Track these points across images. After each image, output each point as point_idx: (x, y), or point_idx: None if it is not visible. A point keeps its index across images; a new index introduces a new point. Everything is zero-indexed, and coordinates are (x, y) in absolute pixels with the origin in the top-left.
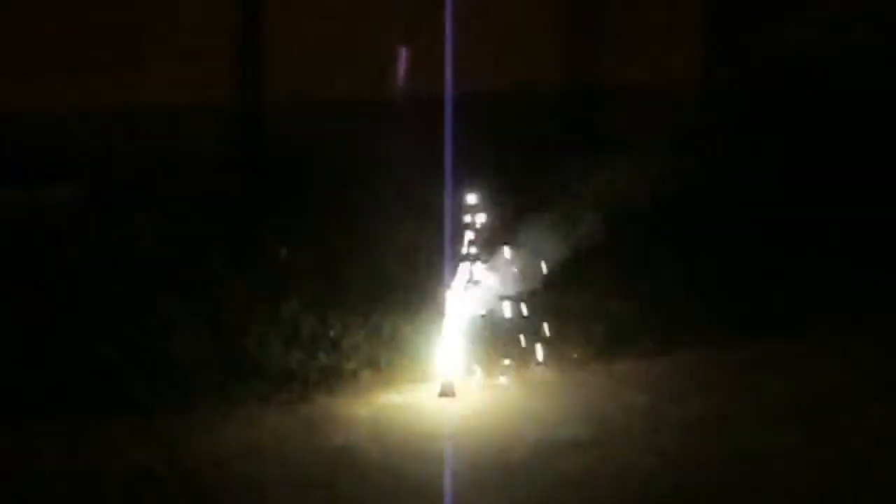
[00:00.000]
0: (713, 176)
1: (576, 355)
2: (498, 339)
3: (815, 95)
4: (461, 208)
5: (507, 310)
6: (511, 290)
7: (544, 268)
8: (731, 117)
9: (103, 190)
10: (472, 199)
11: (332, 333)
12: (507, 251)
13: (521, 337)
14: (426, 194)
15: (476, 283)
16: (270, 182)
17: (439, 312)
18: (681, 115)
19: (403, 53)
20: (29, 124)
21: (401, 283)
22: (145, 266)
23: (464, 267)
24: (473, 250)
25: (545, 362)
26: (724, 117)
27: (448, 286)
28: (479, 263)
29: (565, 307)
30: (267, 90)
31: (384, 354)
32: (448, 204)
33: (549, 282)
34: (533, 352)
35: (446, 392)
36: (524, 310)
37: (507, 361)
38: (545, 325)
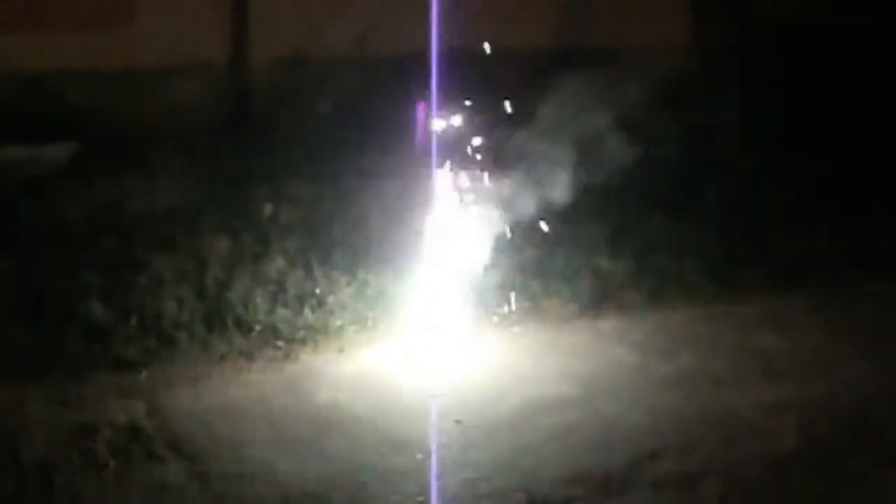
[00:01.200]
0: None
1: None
2: (485, 287)
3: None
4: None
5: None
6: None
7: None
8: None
9: (93, 148)
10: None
11: (317, 290)
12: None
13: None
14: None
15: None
16: (257, 140)
17: (424, 261)
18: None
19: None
20: (21, 83)
21: (387, 238)
22: (133, 223)
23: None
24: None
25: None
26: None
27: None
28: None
29: (551, 264)
30: (254, 49)
31: (370, 311)
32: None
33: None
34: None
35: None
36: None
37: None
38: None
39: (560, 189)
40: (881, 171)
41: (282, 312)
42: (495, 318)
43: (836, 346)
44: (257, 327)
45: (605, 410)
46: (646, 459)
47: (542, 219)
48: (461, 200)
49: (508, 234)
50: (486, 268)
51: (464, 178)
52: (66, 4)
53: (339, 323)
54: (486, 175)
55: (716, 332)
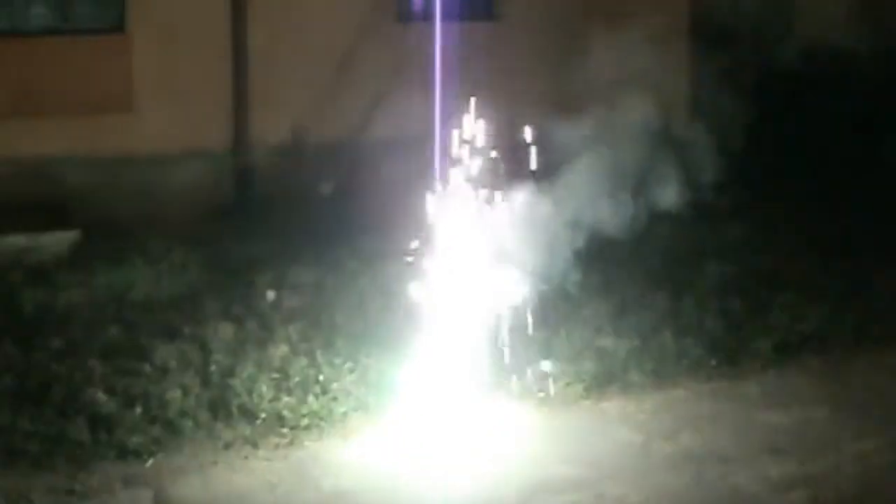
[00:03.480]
0: None
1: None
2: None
3: None
4: None
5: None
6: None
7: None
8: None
9: (94, 235)
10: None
11: (321, 377)
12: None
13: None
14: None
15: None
16: (258, 225)
17: (425, 344)
18: None
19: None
20: (23, 169)
21: (388, 321)
22: (136, 311)
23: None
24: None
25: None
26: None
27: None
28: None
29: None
30: (254, 134)
31: (373, 396)
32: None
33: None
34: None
35: None
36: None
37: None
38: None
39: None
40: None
41: (286, 400)
42: (499, 401)
43: (840, 418)
44: (262, 415)
45: (609, 492)
46: None
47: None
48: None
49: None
50: (488, 349)
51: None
52: (67, 92)
53: (342, 409)
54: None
55: (719, 408)
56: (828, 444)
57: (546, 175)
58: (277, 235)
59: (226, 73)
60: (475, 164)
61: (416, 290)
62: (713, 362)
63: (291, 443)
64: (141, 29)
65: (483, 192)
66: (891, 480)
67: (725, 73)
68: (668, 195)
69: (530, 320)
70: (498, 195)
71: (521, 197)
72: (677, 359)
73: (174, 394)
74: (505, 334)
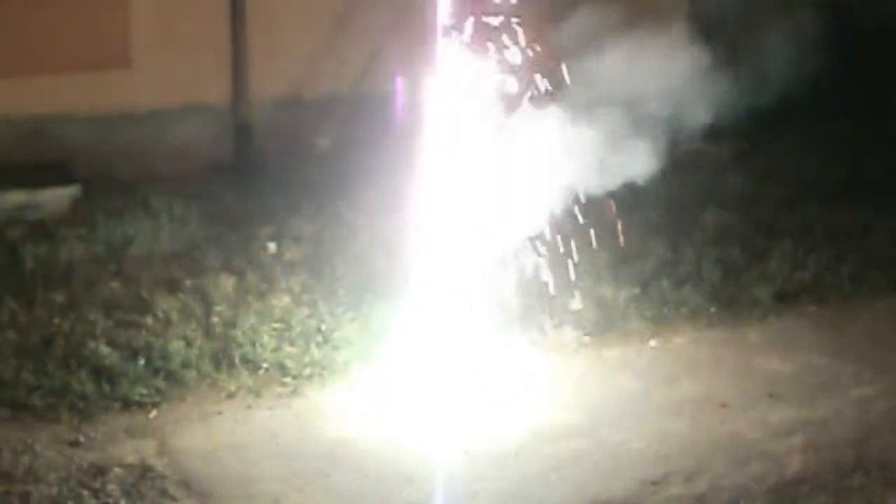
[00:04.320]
0: None
1: None
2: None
3: None
4: None
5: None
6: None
7: None
8: None
9: (95, 190)
10: None
11: (323, 327)
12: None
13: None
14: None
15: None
16: (258, 179)
17: (426, 293)
18: None
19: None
20: (22, 128)
21: (389, 272)
22: (138, 265)
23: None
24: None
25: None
26: None
27: None
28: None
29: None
30: (253, 88)
31: (375, 345)
32: None
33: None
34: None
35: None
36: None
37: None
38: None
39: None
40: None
41: (288, 349)
42: (500, 349)
43: (838, 365)
44: (264, 365)
45: (610, 438)
46: (653, 484)
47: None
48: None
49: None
50: (489, 297)
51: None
52: (64, 49)
53: (344, 358)
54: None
55: (718, 355)
56: (826, 389)
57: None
58: (277, 189)
59: (224, 28)
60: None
61: (415, 238)
62: (712, 310)
63: (294, 392)
64: None
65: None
66: (888, 425)
67: None
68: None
69: (533, 267)
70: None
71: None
72: (677, 306)
73: (177, 345)
74: (508, 281)
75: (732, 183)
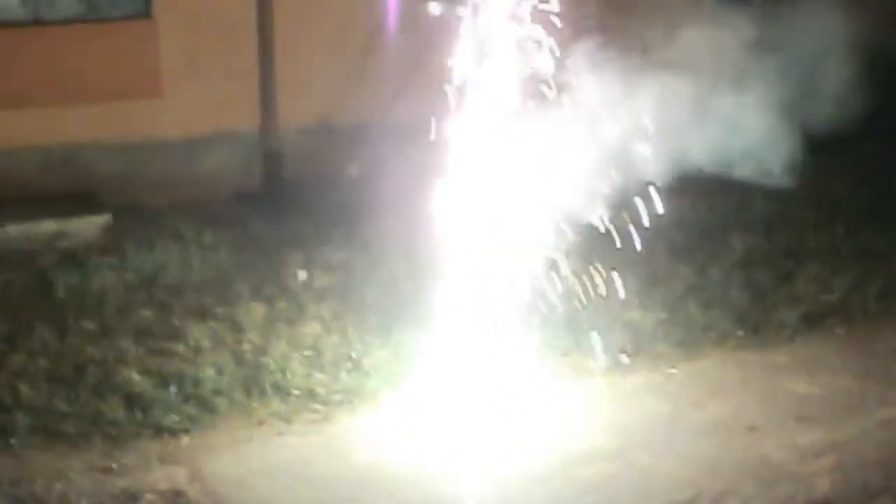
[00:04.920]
0: None
1: None
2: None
3: None
4: None
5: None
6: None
7: None
8: None
9: (126, 218)
10: None
11: (353, 354)
12: None
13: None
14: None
15: None
16: (288, 206)
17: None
18: None
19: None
20: (54, 157)
21: (418, 299)
22: (168, 293)
23: None
24: None
25: None
26: None
27: None
28: None
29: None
30: (283, 116)
31: (405, 371)
32: None
33: None
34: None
35: None
36: None
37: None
38: None
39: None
40: None
41: (318, 377)
42: (529, 374)
43: (865, 386)
44: (295, 391)
45: (639, 461)
46: None
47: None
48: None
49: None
50: (517, 324)
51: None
52: (95, 79)
53: (374, 385)
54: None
55: (746, 378)
56: (854, 411)
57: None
58: (307, 217)
59: (253, 57)
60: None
61: (443, 264)
62: (740, 333)
63: (325, 419)
64: (167, 14)
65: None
66: None
67: None
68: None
69: (560, 292)
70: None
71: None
72: (704, 330)
73: (208, 372)
74: (536, 306)
75: (759, 205)
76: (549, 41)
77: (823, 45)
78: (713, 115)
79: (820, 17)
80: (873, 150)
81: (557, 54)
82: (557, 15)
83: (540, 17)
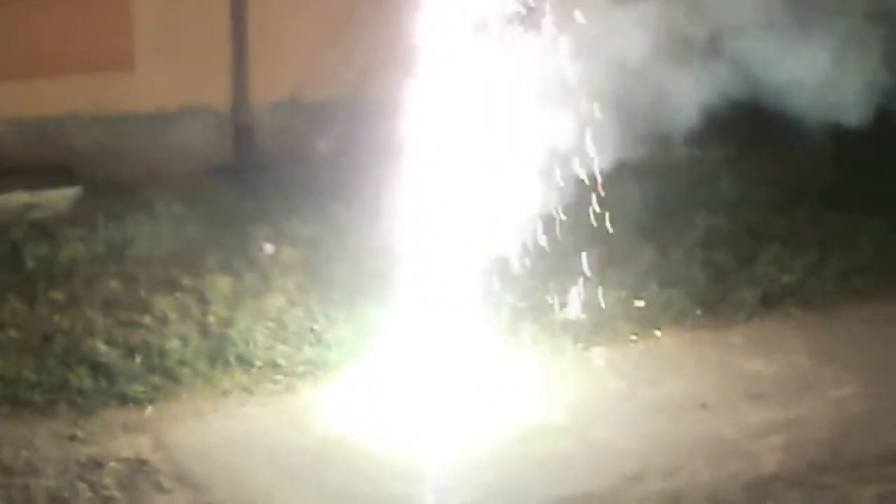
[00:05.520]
0: None
1: None
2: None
3: None
4: None
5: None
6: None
7: None
8: None
9: (97, 191)
10: None
11: (316, 327)
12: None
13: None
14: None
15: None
16: (257, 181)
17: (419, 294)
18: None
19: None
20: (26, 129)
21: (383, 274)
22: (137, 265)
23: None
24: None
25: None
26: None
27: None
28: None
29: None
30: (254, 91)
31: (368, 345)
32: None
33: None
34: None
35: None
36: None
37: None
38: None
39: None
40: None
41: (282, 348)
42: (489, 350)
43: (820, 367)
44: (258, 363)
45: (593, 436)
46: (631, 480)
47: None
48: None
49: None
50: (478, 300)
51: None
52: (67, 50)
53: (337, 358)
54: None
55: (702, 357)
56: (807, 390)
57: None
58: (276, 191)
59: (225, 32)
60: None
61: (410, 241)
62: (698, 312)
63: (286, 389)
64: None
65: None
66: (867, 425)
67: None
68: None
69: (523, 269)
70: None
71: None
72: (663, 308)
73: (173, 343)
74: (499, 283)
75: (723, 187)
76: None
77: None
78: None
79: None
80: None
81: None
82: None
83: None
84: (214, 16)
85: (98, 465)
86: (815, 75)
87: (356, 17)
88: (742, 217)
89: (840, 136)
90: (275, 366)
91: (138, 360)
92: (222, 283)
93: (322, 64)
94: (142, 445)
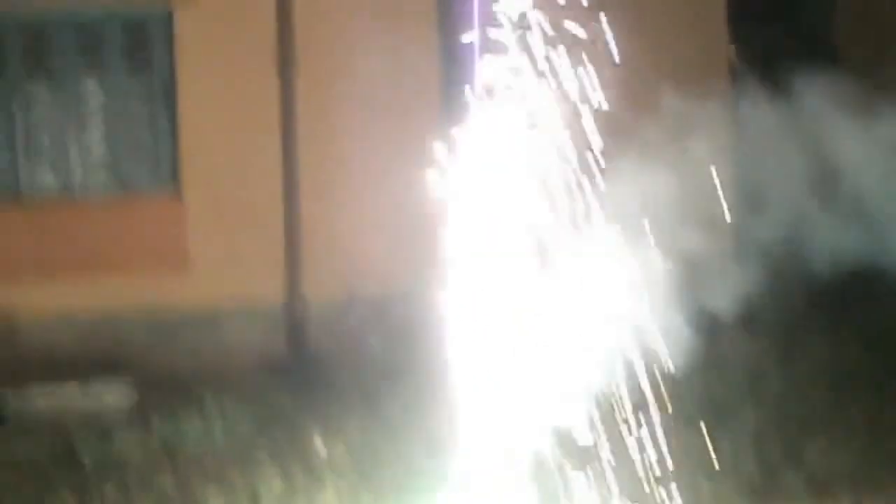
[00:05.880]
0: None
1: None
2: None
3: None
4: None
5: None
6: None
7: None
8: None
9: (151, 387)
10: None
11: None
12: None
13: None
14: None
15: None
16: (311, 378)
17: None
18: None
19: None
20: (83, 325)
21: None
22: (190, 462)
23: None
24: None
25: None
26: None
27: None
28: None
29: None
30: (308, 289)
31: None
32: None
33: None
34: None
35: None
36: None
37: None
38: None
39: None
40: None
41: None
42: None
43: None
44: None
45: None
46: None
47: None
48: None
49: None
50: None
51: None
52: (122, 250)
53: None
54: None
55: None
56: None
57: None
58: (329, 388)
59: (279, 232)
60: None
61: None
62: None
63: None
64: (196, 190)
65: None
66: None
67: None
68: None
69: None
70: None
71: None
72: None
73: None
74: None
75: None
76: None
77: None
78: None
79: None
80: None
81: None
82: None
83: None
84: (268, 218)
85: None
86: None
87: (406, 215)
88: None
89: None
90: None
91: None
92: (274, 482)
93: (375, 260)
94: None
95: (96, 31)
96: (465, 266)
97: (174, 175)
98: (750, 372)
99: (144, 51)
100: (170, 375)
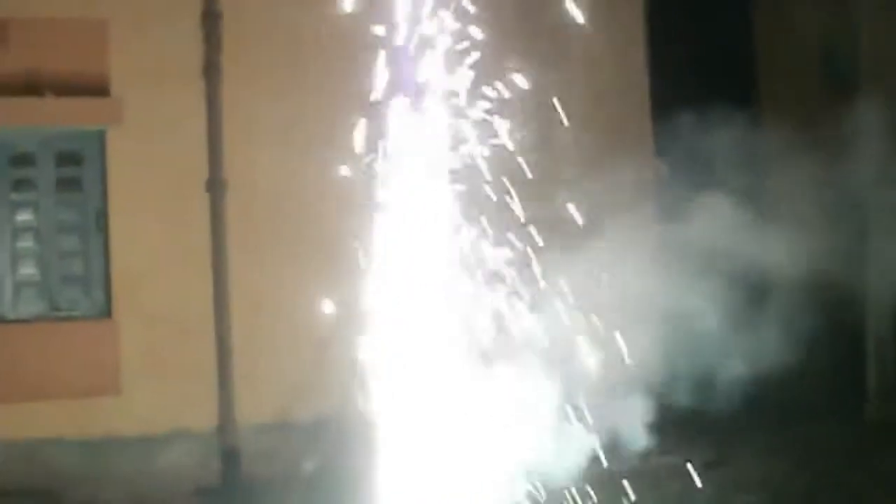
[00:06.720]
0: None
1: None
2: None
3: None
4: None
5: None
6: None
7: None
8: None
9: None
10: None
11: None
12: None
13: None
14: None
15: None
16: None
17: None
18: None
19: None
20: (12, 453)
21: None
22: None
23: None
24: None
25: None
26: None
27: None
28: None
29: None
30: (239, 413)
31: None
32: None
33: None
34: None
35: None
36: None
37: None
38: None
39: None
40: None
41: None
42: None
43: None
44: None
45: None
46: None
47: None
48: None
49: None
50: None
51: None
52: (57, 376)
53: None
54: None
55: None
56: None
57: None
58: None
59: (211, 356)
60: None
61: None
62: None
63: None
64: (126, 315)
65: None
66: None
67: None
68: None
69: None
70: None
71: None
72: None
73: None
74: None
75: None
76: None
77: None
78: None
79: None
80: None
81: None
82: None
83: None
84: (200, 342)
85: None
86: None
87: (339, 343)
88: None
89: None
90: None
91: None
92: None
93: (307, 384)
94: None
95: (29, 155)
96: (398, 384)
97: (106, 298)
98: None
99: (77, 171)
100: (101, 501)
